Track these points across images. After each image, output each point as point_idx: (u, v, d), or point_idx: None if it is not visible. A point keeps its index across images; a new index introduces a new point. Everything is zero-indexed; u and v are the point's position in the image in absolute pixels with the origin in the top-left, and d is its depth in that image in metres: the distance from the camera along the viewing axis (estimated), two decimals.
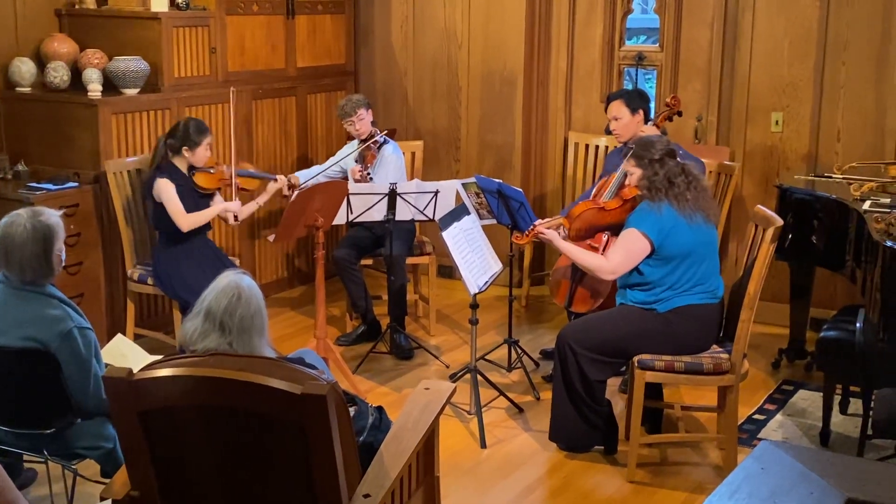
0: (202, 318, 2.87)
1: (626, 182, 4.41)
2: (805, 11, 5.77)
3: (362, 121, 5.70)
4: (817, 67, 5.79)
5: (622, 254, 4.21)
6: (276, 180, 5.47)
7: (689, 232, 4.15)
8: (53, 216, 3.54)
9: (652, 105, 5.62)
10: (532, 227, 4.59)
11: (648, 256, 4.18)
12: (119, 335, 4.13)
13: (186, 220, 5.05)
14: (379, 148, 5.71)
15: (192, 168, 5.15)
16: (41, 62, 5.64)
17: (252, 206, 5.41)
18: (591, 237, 4.58)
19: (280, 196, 5.62)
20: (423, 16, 6.82)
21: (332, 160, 5.96)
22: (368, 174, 5.61)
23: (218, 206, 5.22)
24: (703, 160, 5.05)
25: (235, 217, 5.29)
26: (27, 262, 3.44)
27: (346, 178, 5.76)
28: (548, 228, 4.51)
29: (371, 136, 5.72)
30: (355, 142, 5.83)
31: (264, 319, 2.93)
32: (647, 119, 5.12)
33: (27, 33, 5.68)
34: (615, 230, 4.43)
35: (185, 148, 5.08)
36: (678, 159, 4.28)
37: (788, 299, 5.47)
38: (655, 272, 4.19)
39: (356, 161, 5.72)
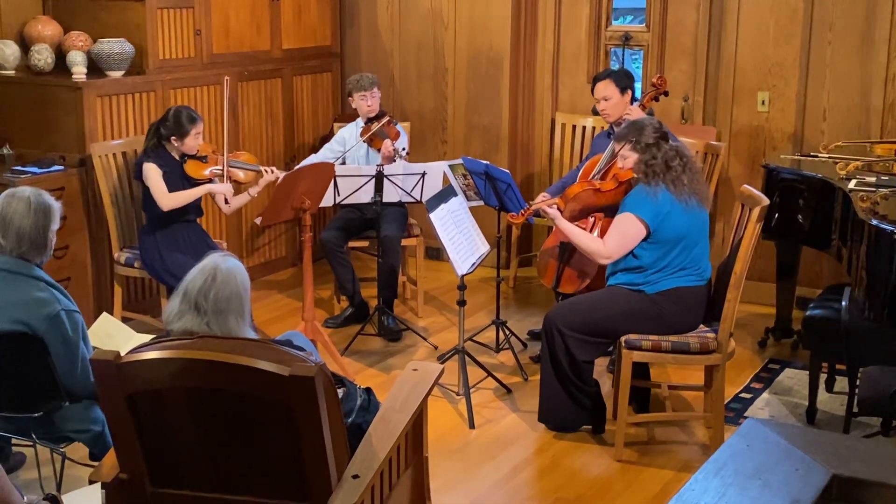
0: (179, 299, 2.88)
1: (620, 165, 4.37)
2: None
3: (375, 98, 5.71)
4: (803, 47, 5.79)
5: (618, 238, 4.20)
6: (268, 171, 5.32)
7: (684, 216, 4.15)
8: (54, 200, 3.59)
9: (638, 85, 5.60)
10: (529, 205, 4.58)
11: (643, 240, 4.18)
12: (104, 314, 4.12)
13: (168, 200, 4.99)
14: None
15: (184, 155, 5.12)
16: (25, 45, 5.60)
17: (244, 198, 5.35)
18: (582, 218, 4.56)
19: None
20: None
21: (337, 148, 5.81)
22: (404, 149, 5.54)
23: (203, 187, 5.13)
24: (683, 141, 5.01)
25: (226, 200, 5.24)
26: (26, 231, 3.46)
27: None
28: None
29: (381, 114, 5.71)
30: (352, 125, 5.80)
31: (243, 301, 2.91)
32: (633, 99, 5.11)
33: (11, 16, 5.64)
34: (607, 212, 4.43)
35: (173, 137, 5.03)
36: (671, 141, 4.28)
37: (775, 278, 5.49)
38: (648, 255, 4.19)
39: (372, 139, 5.59)
